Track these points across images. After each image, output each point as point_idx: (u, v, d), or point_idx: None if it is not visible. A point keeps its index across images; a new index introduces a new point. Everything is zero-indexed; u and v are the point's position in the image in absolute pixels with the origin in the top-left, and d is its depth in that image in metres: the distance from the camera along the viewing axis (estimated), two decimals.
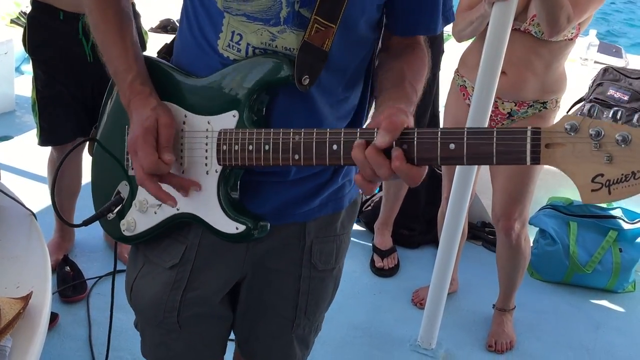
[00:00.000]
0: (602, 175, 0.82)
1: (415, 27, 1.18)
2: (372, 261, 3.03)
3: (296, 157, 1.02)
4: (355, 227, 3.09)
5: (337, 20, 1.05)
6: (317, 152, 1.00)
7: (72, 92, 2.43)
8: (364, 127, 1.18)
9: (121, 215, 1.23)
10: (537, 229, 3.07)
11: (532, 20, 2.19)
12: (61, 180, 2.64)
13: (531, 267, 3.02)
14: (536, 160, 0.85)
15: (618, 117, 0.81)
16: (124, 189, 1.22)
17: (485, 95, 2.05)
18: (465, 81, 2.43)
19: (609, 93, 3.53)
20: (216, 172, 1.11)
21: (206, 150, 1.11)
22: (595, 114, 0.82)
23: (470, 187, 2.22)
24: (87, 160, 2.66)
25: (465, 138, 0.89)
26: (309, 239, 1.26)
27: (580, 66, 4.54)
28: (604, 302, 2.94)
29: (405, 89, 1.07)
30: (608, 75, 3.61)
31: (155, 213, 1.19)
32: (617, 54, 4.89)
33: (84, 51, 2.36)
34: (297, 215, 1.23)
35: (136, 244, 1.27)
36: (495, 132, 0.87)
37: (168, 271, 1.24)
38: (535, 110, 2.34)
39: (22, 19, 5.26)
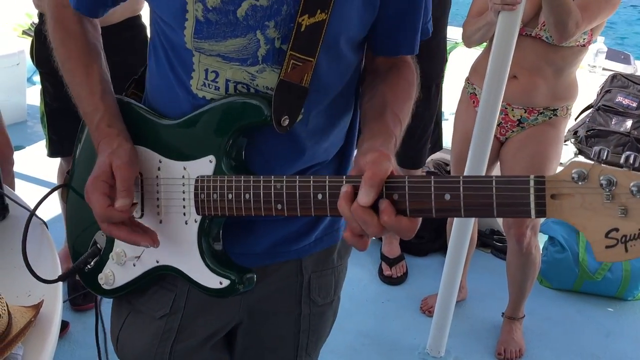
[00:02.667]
0: (617, 230, 0.72)
1: (398, 47, 1.11)
2: (381, 269, 3.03)
3: (279, 207, 0.93)
4: None
5: (316, 53, 0.98)
6: (301, 202, 0.91)
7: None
8: (348, 173, 1.07)
9: (99, 267, 1.15)
10: (547, 236, 3.06)
11: (543, 26, 2.20)
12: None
13: (540, 275, 3.01)
14: (542, 213, 0.76)
15: (631, 161, 0.71)
16: (100, 238, 1.15)
17: (492, 102, 2.06)
18: (475, 89, 2.43)
19: (617, 100, 3.52)
20: (195, 221, 1.03)
21: (183, 199, 1.04)
22: (606, 156, 0.74)
23: None
24: None
25: (461, 188, 0.80)
26: (307, 275, 1.20)
27: (588, 73, 4.53)
28: (614, 310, 2.93)
29: (386, 123, 0.99)
30: (616, 82, 3.61)
31: (134, 265, 1.11)
32: (626, 60, 4.88)
33: None
34: (293, 252, 1.17)
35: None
36: (494, 182, 0.78)
37: (157, 321, 1.17)
38: (546, 117, 2.34)
39: (32, 27, 5.33)
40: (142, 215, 1.08)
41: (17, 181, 2.52)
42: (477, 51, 2.50)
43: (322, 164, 1.14)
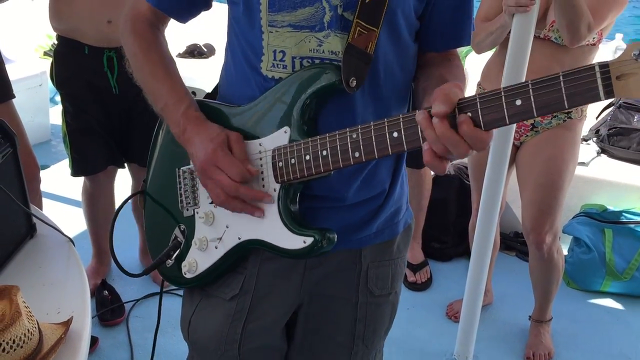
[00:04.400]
0: None
1: (452, 40, 1.19)
2: (405, 275, 3.02)
3: (356, 154, 1.01)
4: None
5: (379, 24, 1.07)
6: (377, 144, 0.98)
7: (100, 123, 2.50)
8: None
9: (180, 258, 1.22)
10: (572, 237, 3.03)
11: (552, 26, 2.18)
12: (95, 209, 2.72)
13: (567, 276, 2.98)
14: (610, 94, 0.81)
15: None
16: (180, 233, 1.23)
17: None
18: None
19: None
20: (275, 190, 1.10)
21: (262, 173, 1.11)
22: None
23: (500, 197, 2.20)
24: (118, 187, 2.74)
25: (531, 91, 0.85)
26: (365, 264, 1.25)
27: None
28: None
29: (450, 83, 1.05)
30: None
31: (216, 248, 1.18)
32: None
33: (109, 84, 2.43)
34: (354, 241, 1.22)
35: None
36: (561, 77, 0.83)
37: (228, 302, 1.23)
38: (560, 120, 2.32)
39: (53, 48, 5.43)
40: None
41: (43, 200, 2.56)
42: (486, 55, 2.49)
43: None
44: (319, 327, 1.29)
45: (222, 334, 1.24)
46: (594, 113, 3.60)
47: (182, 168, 1.23)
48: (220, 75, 1.26)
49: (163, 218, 1.26)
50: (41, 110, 4.33)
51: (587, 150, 3.36)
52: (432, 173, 3.03)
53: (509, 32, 2.01)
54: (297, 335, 1.31)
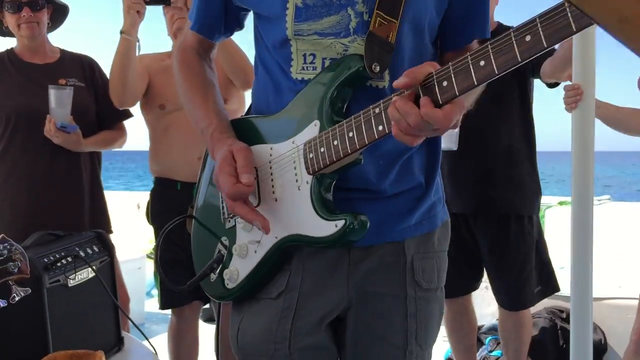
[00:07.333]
0: None
1: (471, 33, 1.25)
2: None
3: (380, 128, 1.03)
4: None
5: (398, 16, 1.12)
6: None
7: (189, 256, 2.64)
8: None
9: (223, 270, 1.26)
10: None
11: None
12: (180, 347, 2.73)
13: None
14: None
15: None
16: (223, 246, 1.27)
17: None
18: None
19: None
20: (307, 182, 1.13)
21: (295, 168, 1.15)
22: None
23: None
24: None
25: (489, 50, 0.89)
26: (409, 255, 1.25)
27: None
28: None
29: None
30: None
31: (256, 252, 1.21)
32: None
33: None
34: (395, 233, 1.23)
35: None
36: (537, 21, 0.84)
37: (275, 301, 1.24)
38: None
39: (152, 250, 5.86)
40: (259, 203, 1.20)
41: None
42: None
43: None
44: (370, 328, 1.25)
45: (271, 332, 1.23)
46: None
47: None
48: (252, 87, 1.34)
49: (208, 235, 1.32)
50: (137, 294, 4.55)
51: None
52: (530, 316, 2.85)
53: None
54: (349, 341, 1.27)
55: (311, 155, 1.11)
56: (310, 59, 1.17)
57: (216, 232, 1.29)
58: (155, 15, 2.63)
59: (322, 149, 1.10)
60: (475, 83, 0.91)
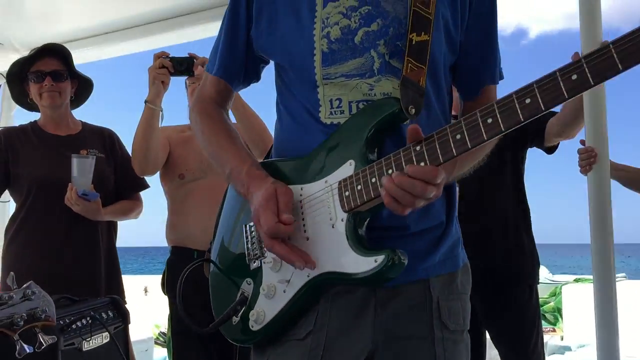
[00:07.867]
0: None
1: (483, 79, 1.31)
2: None
3: (422, 164, 1.05)
4: None
5: (426, 62, 1.18)
6: (441, 149, 1.03)
7: (203, 325, 2.59)
8: None
9: (247, 311, 1.24)
10: None
11: None
12: None
13: None
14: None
15: None
16: (247, 287, 1.26)
17: None
18: None
19: None
20: (342, 220, 1.13)
21: (328, 206, 1.15)
22: None
23: None
24: None
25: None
26: (435, 295, 1.24)
27: None
28: None
29: None
30: None
31: (285, 292, 1.19)
32: None
33: None
34: (420, 270, 1.23)
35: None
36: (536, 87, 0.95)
37: (302, 342, 1.21)
38: None
39: (160, 338, 5.75)
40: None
41: None
42: None
43: None
44: None
45: None
46: None
47: (249, 224, 1.28)
48: (275, 131, 1.35)
49: (228, 278, 1.30)
50: None
51: None
52: None
53: None
54: None
55: (347, 193, 1.12)
56: (337, 104, 1.21)
57: (238, 273, 1.28)
58: (174, 85, 2.68)
59: (359, 187, 1.11)
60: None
